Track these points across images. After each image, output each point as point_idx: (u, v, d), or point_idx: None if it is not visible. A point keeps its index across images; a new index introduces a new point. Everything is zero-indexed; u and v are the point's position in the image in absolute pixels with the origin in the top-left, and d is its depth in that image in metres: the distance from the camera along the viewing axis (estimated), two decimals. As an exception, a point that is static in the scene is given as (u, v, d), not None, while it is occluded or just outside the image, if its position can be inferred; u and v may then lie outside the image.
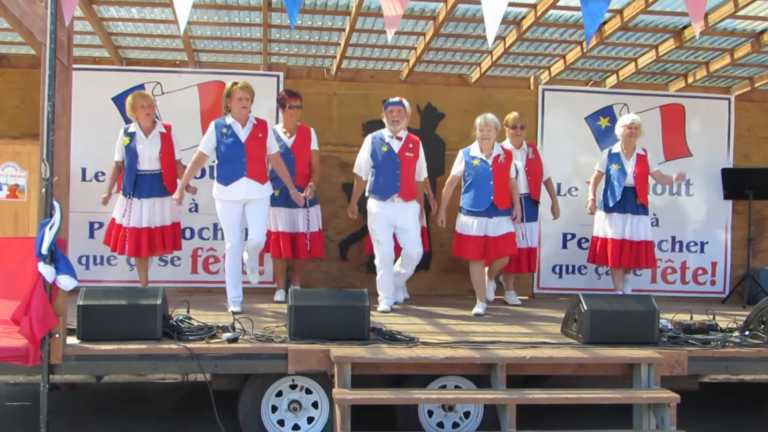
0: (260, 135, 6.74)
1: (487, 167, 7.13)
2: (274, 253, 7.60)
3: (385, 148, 7.06)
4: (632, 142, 7.95)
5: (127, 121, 7.89)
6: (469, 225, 7.15)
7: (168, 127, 7.43)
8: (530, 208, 7.97)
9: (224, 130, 6.67)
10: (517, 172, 7.59)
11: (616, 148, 8.05)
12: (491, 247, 7.14)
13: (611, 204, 7.92)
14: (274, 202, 7.29)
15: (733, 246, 9.46)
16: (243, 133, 6.66)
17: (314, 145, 7.73)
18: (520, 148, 7.97)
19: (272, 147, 6.89)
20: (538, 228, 8.21)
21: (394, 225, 7.08)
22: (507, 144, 7.88)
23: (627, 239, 7.85)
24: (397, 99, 7.16)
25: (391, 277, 7.18)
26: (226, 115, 6.75)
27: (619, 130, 8.05)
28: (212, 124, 6.79)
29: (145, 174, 7.29)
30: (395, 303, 7.35)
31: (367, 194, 7.22)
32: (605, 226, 7.98)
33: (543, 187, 8.18)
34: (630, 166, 7.92)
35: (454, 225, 7.33)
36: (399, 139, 7.08)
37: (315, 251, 7.64)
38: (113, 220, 7.46)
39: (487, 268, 7.54)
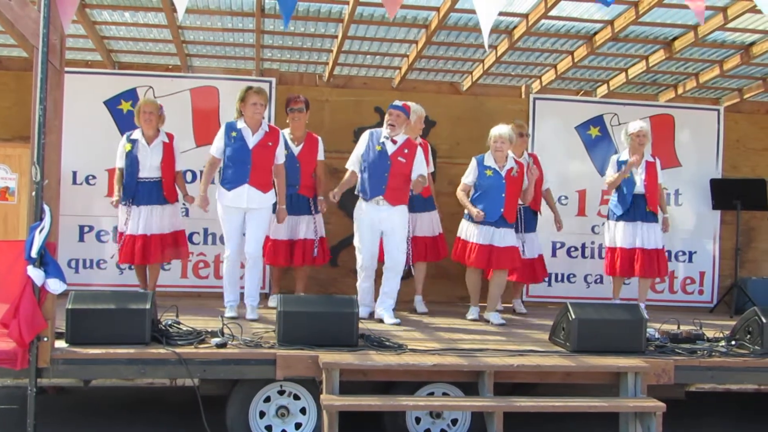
0: (270, 143, 6.65)
1: (500, 179, 7.03)
2: (270, 260, 7.43)
3: (378, 147, 6.84)
4: (641, 150, 7.72)
5: (123, 125, 7.98)
6: (474, 233, 7.05)
7: (171, 137, 7.36)
8: (529, 218, 7.90)
9: (233, 134, 6.60)
10: None
11: (624, 155, 7.81)
12: (494, 257, 7.05)
13: (620, 212, 7.72)
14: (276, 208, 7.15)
15: (721, 256, 9.52)
16: (252, 140, 6.59)
17: (321, 155, 7.56)
18: (521, 156, 7.79)
19: (279, 157, 6.77)
20: (537, 238, 8.07)
21: (380, 230, 6.88)
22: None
23: (638, 248, 7.63)
24: (399, 104, 6.96)
25: (370, 284, 7.05)
26: (238, 119, 6.67)
27: (626, 138, 7.82)
28: (223, 126, 6.74)
29: (146, 181, 7.22)
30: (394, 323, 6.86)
31: (356, 192, 6.99)
32: (615, 236, 7.77)
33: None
34: (639, 174, 7.70)
35: (450, 232, 7.23)
36: (394, 142, 6.85)
37: (321, 258, 7.51)
38: (120, 234, 7.37)
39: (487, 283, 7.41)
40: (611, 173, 7.83)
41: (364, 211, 6.87)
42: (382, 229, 6.87)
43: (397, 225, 6.88)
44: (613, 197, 7.87)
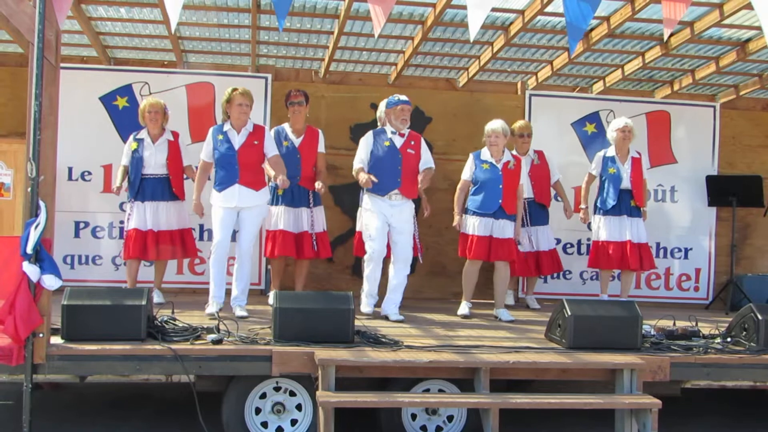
0: (255, 142, 6.69)
1: (496, 172, 7.15)
2: (274, 252, 7.34)
3: (387, 143, 6.89)
4: (626, 145, 7.90)
5: (119, 121, 7.98)
6: (474, 225, 7.16)
7: (176, 135, 7.47)
8: (537, 212, 8.09)
9: (220, 137, 6.65)
10: None
11: (611, 151, 7.98)
12: (494, 249, 7.16)
13: (609, 207, 7.87)
14: (278, 200, 7.26)
15: (717, 253, 9.55)
16: (237, 141, 6.63)
17: (321, 148, 7.57)
18: (525, 155, 8.03)
19: (270, 150, 6.78)
20: (550, 231, 8.29)
21: (388, 224, 6.88)
22: (513, 152, 7.83)
23: (629, 240, 7.80)
24: (405, 98, 6.96)
25: (379, 273, 6.99)
26: (225, 122, 6.72)
27: (611, 134, 8.00)
28: (210, 131, 6.78)
29: (150, 178, 7.31)
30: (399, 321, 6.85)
31: (364, 192, 7.02)
32: (603, 230, 7.92)
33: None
34: (626, 170, 7.87)
35: (446, 228, 7.28)
36: (402, 135, 6.93)
37: (322, 251, 7.46)
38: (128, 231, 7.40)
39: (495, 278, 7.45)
40: (594, 168, 8.09)
41: (378, 205, 6.86)
42: (392, 224, 6.88)
43: (407, 221, 6.94)
44: (600, 193, 8.02)
